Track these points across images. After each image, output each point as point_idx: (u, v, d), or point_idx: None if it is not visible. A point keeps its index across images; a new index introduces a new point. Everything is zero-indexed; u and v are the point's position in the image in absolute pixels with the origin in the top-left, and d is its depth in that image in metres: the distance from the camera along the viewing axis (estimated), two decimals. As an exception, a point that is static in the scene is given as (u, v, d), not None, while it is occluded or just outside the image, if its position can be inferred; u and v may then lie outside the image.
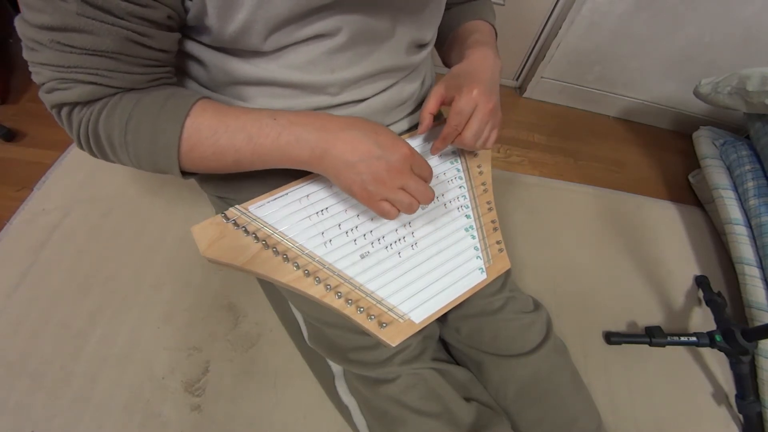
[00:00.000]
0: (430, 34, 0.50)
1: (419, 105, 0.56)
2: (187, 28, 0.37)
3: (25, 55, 0.33)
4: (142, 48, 0.34)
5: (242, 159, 0.38)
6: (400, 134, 0.54)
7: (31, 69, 0.34)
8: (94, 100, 0.35)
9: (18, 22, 0.32)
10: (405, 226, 0.47)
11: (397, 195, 0.39)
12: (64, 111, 0.36)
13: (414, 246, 0.47)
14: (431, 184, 0.50)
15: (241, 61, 0.39)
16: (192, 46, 0.39)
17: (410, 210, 0.40)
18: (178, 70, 0.44)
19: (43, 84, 0.34)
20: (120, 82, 0.34)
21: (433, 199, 0.42)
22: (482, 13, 0.57)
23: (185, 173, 0.40)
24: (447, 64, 0.59)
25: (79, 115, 0.36)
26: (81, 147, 0.39)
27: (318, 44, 0.39)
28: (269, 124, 0.37)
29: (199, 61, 0.41)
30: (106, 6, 0.30)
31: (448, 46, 0.58)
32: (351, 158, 0.37)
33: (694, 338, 0.75)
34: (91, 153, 0.39)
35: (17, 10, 0.34)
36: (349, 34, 0.39)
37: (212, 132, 0.37)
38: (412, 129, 0.55)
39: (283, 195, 0.45)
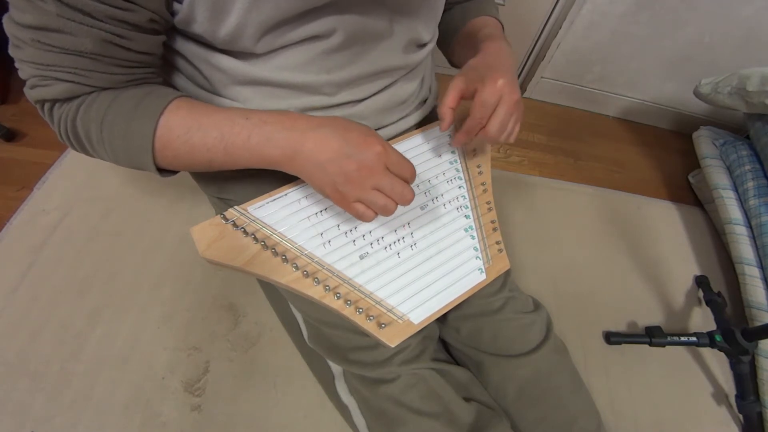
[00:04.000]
0: (430, 34, 0.49)
1: (419, 104, 0.56)
2: (180, 29, 0.37)
3: (11, 51, 0.34)
4: (122, 50, 0.34)
5: (215, 158, 0.37)
6: (400, 134, 0.54)
7: (16, 65, 0.34)
8: (73, 97, 0.35)
9: (5, 20, 0.32)
10: (404, 226, 0.47)
11: (371, 195, 0.37)
12: (46, 106, 0.36)
13: (413, 246, 0.46)
14: (430, 184, 0.51)
15: (235, 61, 0.39)
16: (187, 47, 0.39)
17: (386, 212, 0.38)
18: (175, 70, 0.44)
19: (27, 80, 0.35)
20: (98, 81, 0.35)
21: (412, 200, 0.38)
22: (487, 10, 0.56)
23: (163, 170, 0.40)
24: (455, 64, 0.58)
25: (59, 111, 0.36)
26: (63, 141, 0.39)
27: (312, 45, 0.39)
28: (241, 123, 0.36)
29: (194, 62, 0.41)
30: (85, 8, 0.30)
31: (456, 45, 0.57)
32: (320, 158, 0.36)
33: (694, 338, 0.74)
34: (74, 148, 0.39)
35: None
36: (344, 34, 0.39)
37: (185, 130, 0.36)
38: (411, 129, 0.55)
39: (282, 195, 0.45)
